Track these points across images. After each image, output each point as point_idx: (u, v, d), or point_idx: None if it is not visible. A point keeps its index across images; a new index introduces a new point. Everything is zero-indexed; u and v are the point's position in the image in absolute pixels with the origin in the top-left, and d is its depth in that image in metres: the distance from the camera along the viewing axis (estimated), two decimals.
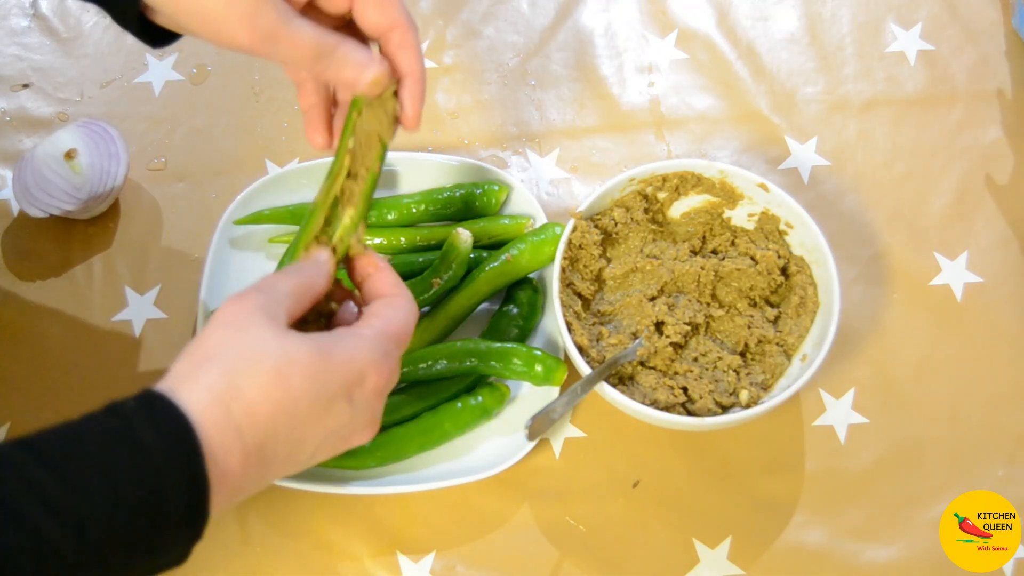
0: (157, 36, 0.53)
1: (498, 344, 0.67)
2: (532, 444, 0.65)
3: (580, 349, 0.64)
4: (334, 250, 0.52)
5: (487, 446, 0.68)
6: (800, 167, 0.79)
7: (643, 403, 0.62)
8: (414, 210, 0.74)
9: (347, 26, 0.54)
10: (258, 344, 0.44)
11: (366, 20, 0.53)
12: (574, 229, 0.68)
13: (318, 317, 0.52)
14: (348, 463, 0.66)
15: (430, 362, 0.68)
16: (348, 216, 0.54)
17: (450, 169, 0.76)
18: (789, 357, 0.67)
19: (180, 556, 0.43)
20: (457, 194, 0.74)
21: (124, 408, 0.42)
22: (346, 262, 0.54)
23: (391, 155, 0.76)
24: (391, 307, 0.50)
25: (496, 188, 0.74)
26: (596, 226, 0.70)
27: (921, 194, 0.78)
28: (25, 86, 0.84)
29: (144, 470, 0.40)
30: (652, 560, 0.65)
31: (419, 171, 0.76)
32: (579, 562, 0.65)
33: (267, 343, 0.44)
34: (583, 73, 0.84)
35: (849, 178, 0.79)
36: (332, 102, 0.57)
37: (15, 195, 0.76)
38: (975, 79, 0.82)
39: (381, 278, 0.52)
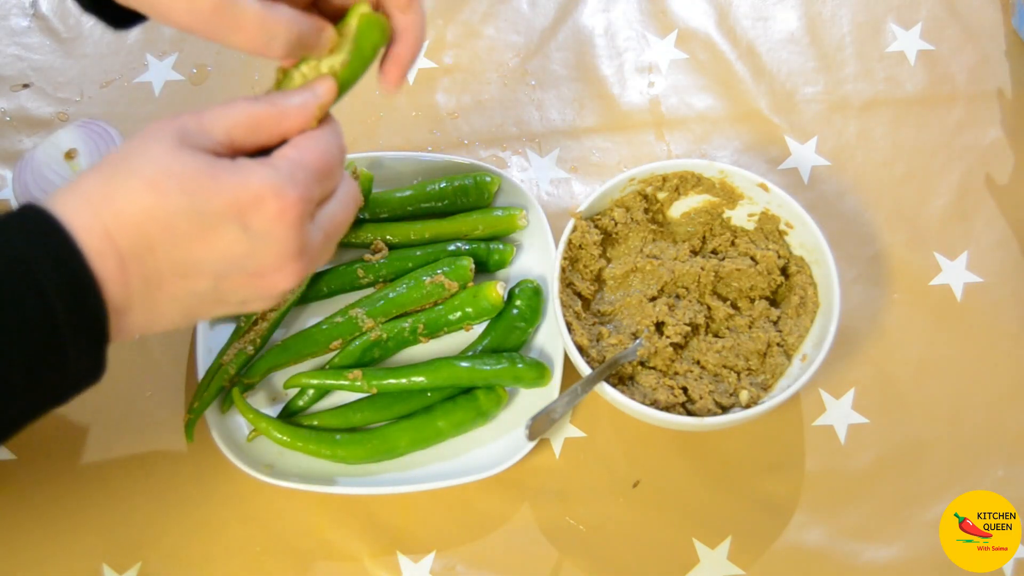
0: (119, 19, 0.52)
1: (482, 366, 0.67)
2: (532, 444, 0.65)
3: (580, 349, 0.64)
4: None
5: (487, 446, 0.68)
6: (800, 167, 0.79)
7: (643, 403, 0.62)
8: (409, 208, 0.74)
9: None
10: (146, 157, 0.42)
11: None
12: (574, 229, 0.68)
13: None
14: (339, 454, 0.66)
15: (413, 379, 0.68)
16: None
17: (444, 165, 0.76)
18: (789, 357, 0.67)
19: (92, 367, 0.42)
20: (449, 186, 0.74)
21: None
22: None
23: (386, 155, 0.76)
24: (311, 137, 0.47)
25: (488, 180, 0.74)
26: (596, 226, 0.70)
27: (921, 194, 0.78)
28: (25, 86, 0.84)
29: (16, 274, 0.39)
30: (652, 560, 0.65)
31: (415, 170, 0.76)
32: (579, 562, 0.65)
33: (154, 156, 0.42)
34: (583, 73, 0.84)
35: (849, 178, 0.79)
36: None
37: (15, 195, 0.76)
38: (975, 79, 0.82)
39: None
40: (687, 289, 0.70)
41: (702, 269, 0.69)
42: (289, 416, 0.69)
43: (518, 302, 0.70)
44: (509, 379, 0.67)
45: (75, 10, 0.88)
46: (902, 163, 0.79)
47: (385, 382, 0.67)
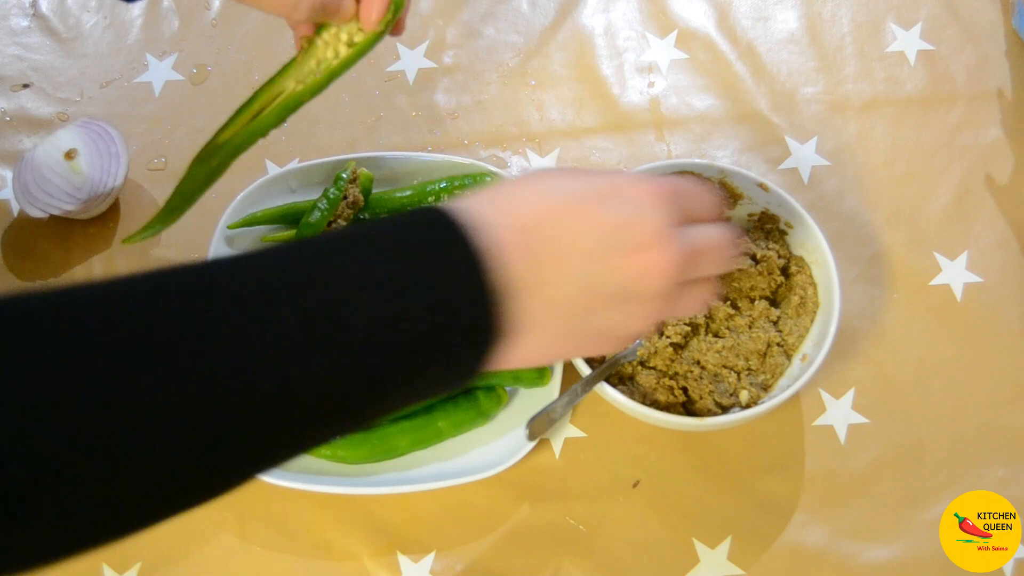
0: None
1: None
2: (532, 444, 0.65)
3: None
4: None
5: (487, 446, 0.68)
6: (800, 167, 0.79)
7: (643, 403, 0.62)
8: (406, 202, 0.74)
9: None
10: (536, 179, 0.45)
11: None
12: None
13: None
14: (339, 454, 0.66)
15: None
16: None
17: (444, 166, 0.76)
18: (789, 357, 0.67)
19: (468, 371, 0.42)
20: (449, 186, 0.74)
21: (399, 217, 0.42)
22: None
23: (387, 155, 0.76)
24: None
25: (488, 180, 0.74)
26: None
27: (921, 194, 0.78)
28: (25, 86, 0.84)
29: (413, 260, 0.39)
30: (652, 560, 0.65)
31: (414, 170, 0.76)
32: (579, 562, 0.65)
33: (544, 177, 0.45)
34: (583, 73, 0.84)
35: (849, 178, 0.79)
36: None
37: (15, 195, 0.76)
38: (975, 79, 0.82)
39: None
40: None
41: None
42: None
43: None
44: (509, 379, 0.67)
45: (75, 10, 0.88)
46: (902, 163, 0.79)
47: None
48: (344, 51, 0.57)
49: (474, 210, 0.41)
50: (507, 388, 0.68)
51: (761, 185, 0.69)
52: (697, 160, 0.70)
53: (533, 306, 0.42)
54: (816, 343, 0.65)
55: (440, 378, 0.41)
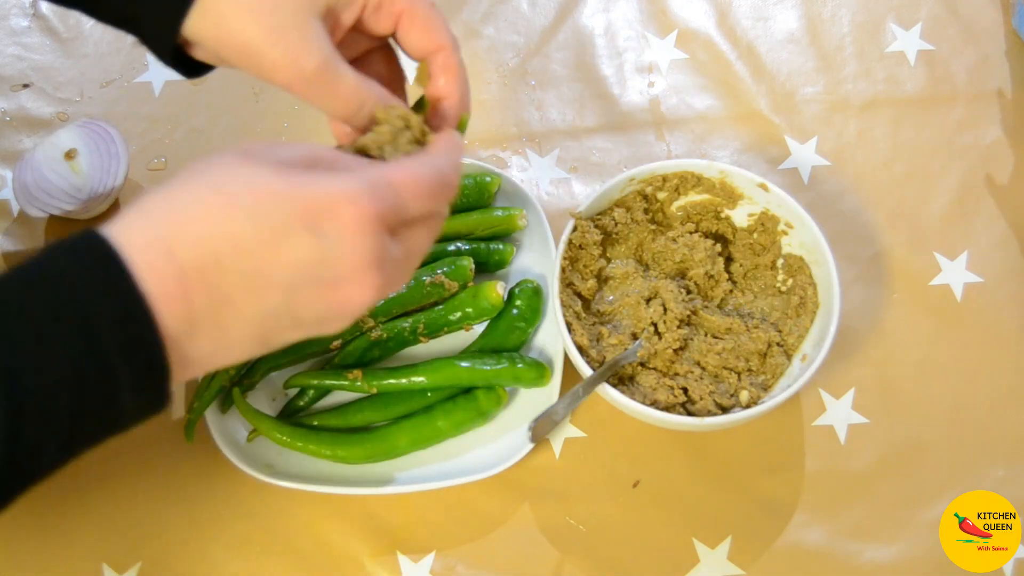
0: (192, 67, 0.53)
1: (482, 366, 0.67)
2: (532, 444, 0.65)
3: (580, 349, 0.64)
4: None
5: (487, 446, 0.68)
6: (800, 167, 0.79)
7: (643, 403, 0.62)
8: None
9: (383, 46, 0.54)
10: (210, 169, 0.40)
11: (410, 42, 0.51)
12: (574, 229, 0.68)
13: None
14: (339, 454, 0.66)
15: (413, 379, 0.68)
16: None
17: None
18: (789, 357, 0.67)
19: (152, 399, 0.40)
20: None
21: (54, 250, 0.39)
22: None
23: None
24: (410, 158, 0.45)
25: (488, 180, 0.74)
26: (596, 226, 0.70)
27: (921, 194, 0.78)
28: (25, 86, 0.84)
29: (64, 298, 0.37)
30: (652, 560, 0.65)
31: None
32: (579, 562, 0.65)
33: (219, 167, 0.40)
34: (583, 73, 0.84)
35: (849, 178, 0.79)
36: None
37: (15, 195, 0.76)
38: (975, 79, 0.82)
39: (444, 134, 0.48)
40: (695, 277, 0.70)
41: (706, 250, 0.70)
42: (289, 416, 0.69)
43: (518, 302, 0.70)
44: (509, 379, 0.67)
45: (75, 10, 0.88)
46: (902, 163, 0.79)
47: (385, 382, 0.67)
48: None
49: (135, 248, 0.38)
50: (507, 388, 0.68)
51: (761, 185, 0.69)
52: (697, 160, 0.70)
53: (208, 347, 0.40)
54: (816, 343, 0.65)
55: (119, 422, 0.40)
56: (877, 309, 0.73)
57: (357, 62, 0.52)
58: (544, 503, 0.67)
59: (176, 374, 0.40)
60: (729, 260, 0.73)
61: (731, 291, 0.71)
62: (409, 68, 0.56)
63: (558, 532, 0.66)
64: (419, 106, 0.52)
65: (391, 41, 0.54)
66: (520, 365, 0.67)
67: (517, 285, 0.71)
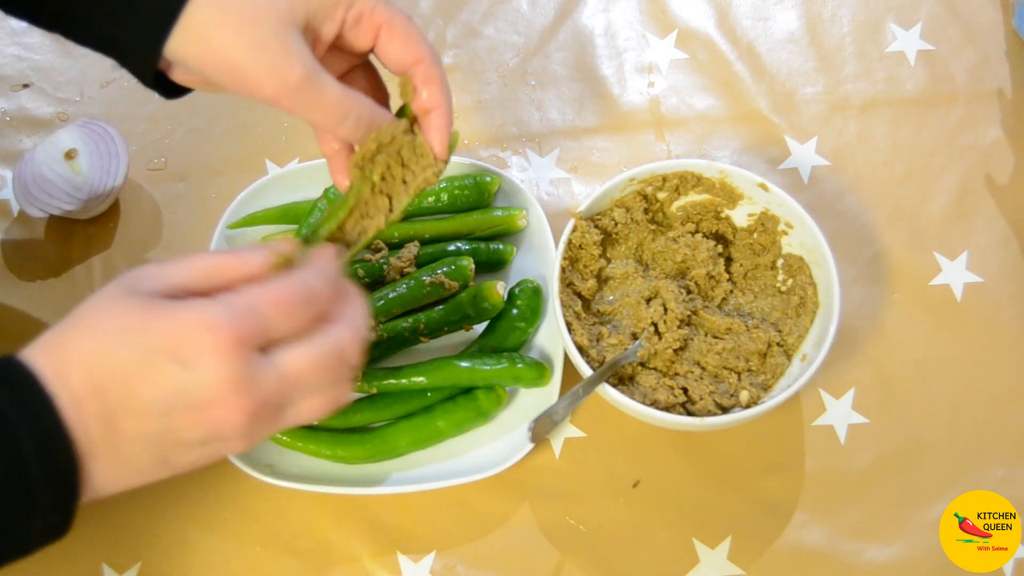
0: (171, 89, 0.54)
1: (482, 366, 0.67)
2: (532, 444, 0.65)
3: (580, 349, 0.64)
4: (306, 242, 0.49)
5: (487, 446, 0.68)
6: (800, 167, 0.79)
7: (643, 403, 0.62)
8: (409, 207, 0.74)
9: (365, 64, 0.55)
10: (95, 304, 0.43)
11: (389, 56, 0.52)
12: (574, 229, 0.68)
13: None
14: (339, 454, 0.66)
15: (413, 379, 0.68)
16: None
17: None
18: (789, 357, 0.67)
19: (59, 522, 0.42)
20: (449, 186, 0.74)
21: None
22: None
23: None
24: (273, 279, 0.44)
25: (488, 180, 0.74)
26: (596, 226, 0.70)
27: (921, 194, 0.78)
28: (25, 86, 0.84)
29: None
30: (652, 560, 0.65)
31: None
32: (579, 562, 0.65)
33: (101, 302, 0.43)
34: (583, 73, 0.84)
35: (849, 178, 0.79)
36: (351, 149, 0.55)
37: (15, 195, 0.76)
38: (975, 79, 0.82)
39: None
40: (697, 278, 0.70)
41: (708, 251, 0.70)
42: None
43: (518, 302, 0.70)
44: (509, 379, 0.67)
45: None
46: (902, 163, 0.79)
47: (385, 382, 0.67)
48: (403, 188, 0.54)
49: (33, 357, 0.41)
50: (507, 388, 0.68)
51: (761, 185, 0.69)
52: (697, 160, 0.70)
53: (108, 469, 0.42)
54: (816, 343, 0.65)
55: (20, 546, 0.42)
56: (877, 309, 0.73)
57: (340, 80, 0.52)
58: (544, 503, 0.67)
59: (82, 497, 0.42)
60: (729, 260, 0.73)
61: (731, 291, 0.71)
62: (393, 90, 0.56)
63: (558, 532, 0.66)
64: (401, 113, 0.54)
65: (372, 59, 0.55)
66: (520, 365, 0.67)
67: (517, 285, 0.71)
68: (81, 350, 0.42)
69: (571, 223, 0.68)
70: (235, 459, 0.65)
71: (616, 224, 0.71)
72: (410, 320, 0.70)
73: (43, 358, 0.42)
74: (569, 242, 0.68)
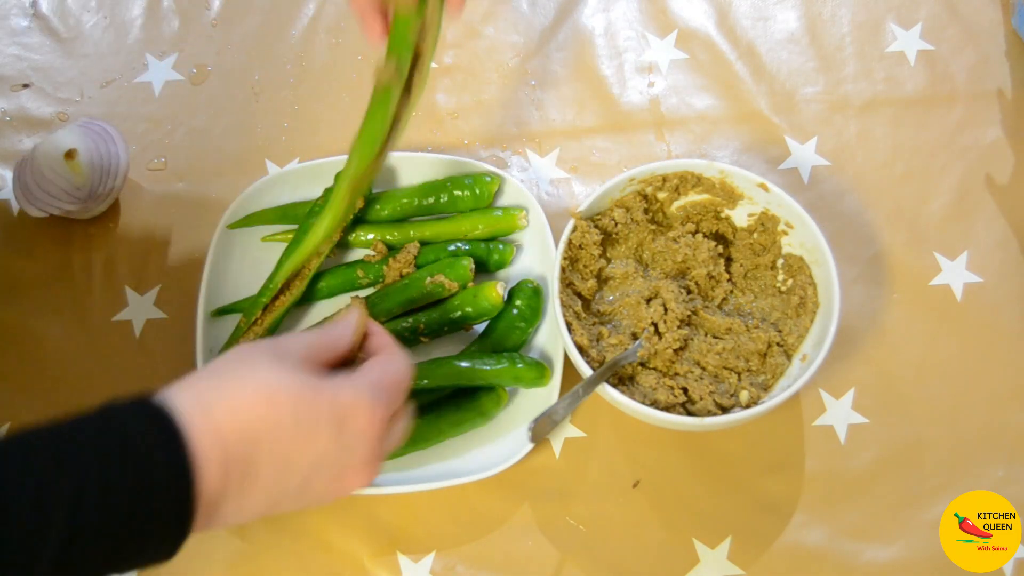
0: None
1: (482, 366, 0.67)
2: (532, 444, 0.65)
3: (580, 349, 0.64)
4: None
5: (487, 446, 0.68)
6: (800, 167, 0.79)
7: (643, 403, 0.62)
8: (408, 208, 0.75)
9: None
10: (256, 367, 0.47)
11: None
12: (574, 229, 0.68)
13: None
14: None
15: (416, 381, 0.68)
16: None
17: (444, 165, 0.76)
18: (789, 357, 0.67)
19: (167, 554, 0.44)
20: (449, 186, 0.74)
21: (114, 406, 0.44)
22: None
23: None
24: (385, 362, 0.53)
25: (488, 180, 0.74)
26: (596, 226, 0.70)
27: (921, 194, 0.78)
28: (25, 86, 0.84)
29: (130, 458, 0.42)
30: (652, 560, 0.65)
31: (415, 170, 0.77)
32: (579, 562, 0.65)
33: (263, 367, 0.47)
34: (583, 73, 0.84)
35: (849, 178, 0.79)
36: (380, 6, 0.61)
37: (15, 195, 0.76)
38: (975, 79, 0.82)
39: (376, 339, 0.56)
40: (697, 277, 0.70)
41: (709, 251, 0.70)
42: None
43: (518, 302, 0.70)
44: (509, 379, 0.67)
45: (75, 10, 0.88)
46: (902, 163, 0.79)
47: None
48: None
49: (194, 427, 0.44)
50: (507, 388, 0.68)
51: (761, 185, 0.69)
52: (697, 160, 0.70)
53: (227, 512, 0.46)
54: (816, 343, 0.65)
55: (129, 565, 0.44)
56: (877, 309, 0.73)
57: None
58: (544, 503, 0.67)
59: (195, 533, 0.45)
60: (729, 260, 0.73)
61: (731, 291, 0.71)
62: None
63: (558, 532, 0.66)
64: None
65: None
66: (520, 365, 0.67)
67: (517, 285, 0.71)
68: (249, 410, 0.45)
69: (571, 223, 0.68)
70: None
71: (616, 224, 0.71)
72: (410, 320, 0.70)
73: (198, 410, 0.44)
74: (569, 242, 0.68)
